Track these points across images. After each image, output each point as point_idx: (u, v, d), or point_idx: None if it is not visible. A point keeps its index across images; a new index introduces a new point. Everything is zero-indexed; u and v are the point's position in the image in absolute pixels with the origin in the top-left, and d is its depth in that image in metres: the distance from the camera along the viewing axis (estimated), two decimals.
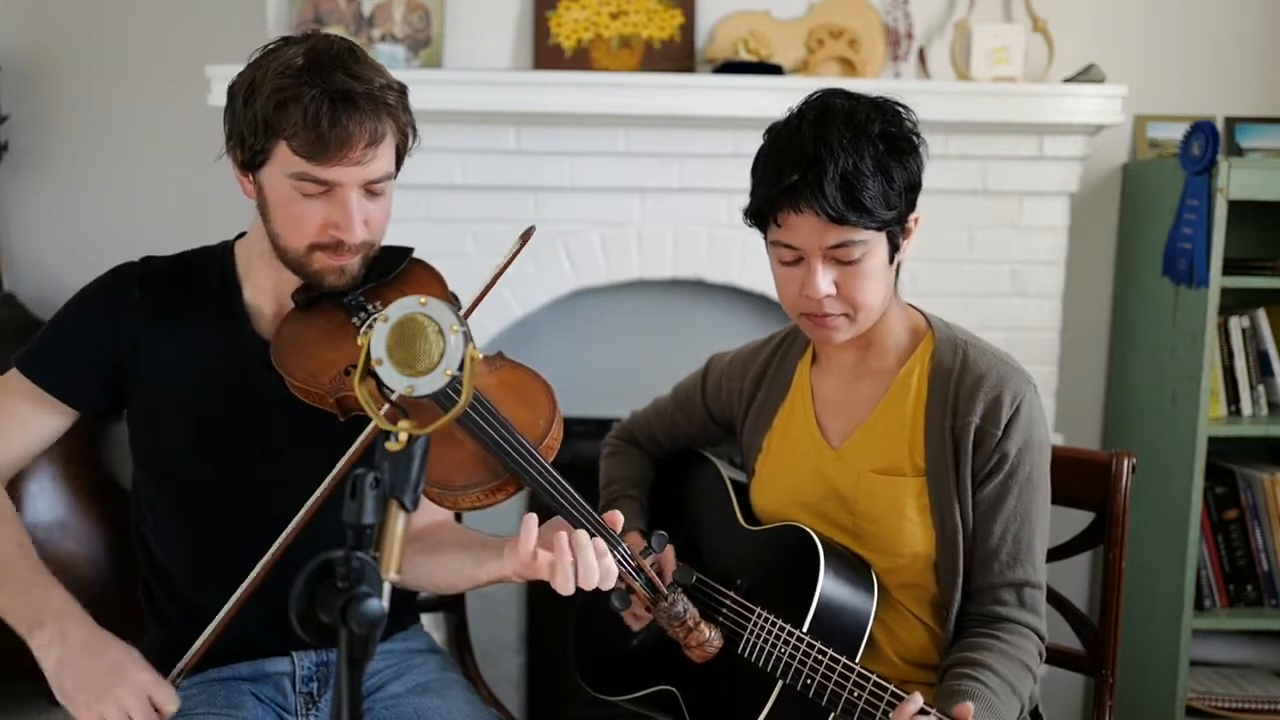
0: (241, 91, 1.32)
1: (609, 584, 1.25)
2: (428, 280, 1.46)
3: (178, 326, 1.43)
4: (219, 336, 1.44)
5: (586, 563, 1.23)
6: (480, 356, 1.16)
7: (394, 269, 1.44)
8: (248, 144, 1.32)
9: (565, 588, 1.23)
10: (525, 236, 1.34)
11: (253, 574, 1.27)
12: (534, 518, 1.25)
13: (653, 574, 1.34)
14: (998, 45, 2.42)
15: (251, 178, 1.36)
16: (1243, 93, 2.62)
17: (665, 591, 1.33)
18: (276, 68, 1.29)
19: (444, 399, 1.20)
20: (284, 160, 1.30)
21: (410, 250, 1.47)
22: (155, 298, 1.44)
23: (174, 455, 1.44)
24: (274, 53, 1.32)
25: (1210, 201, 2.27)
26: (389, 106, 1.32)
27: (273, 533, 1.27)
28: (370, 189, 1.34)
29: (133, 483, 1.52)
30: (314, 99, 1.26)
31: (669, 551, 1.46)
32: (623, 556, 1.30)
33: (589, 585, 1.23)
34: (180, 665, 1.32)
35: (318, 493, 1.26)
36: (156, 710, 1.28)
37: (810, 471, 1.47)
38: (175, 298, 1.44)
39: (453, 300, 1.51)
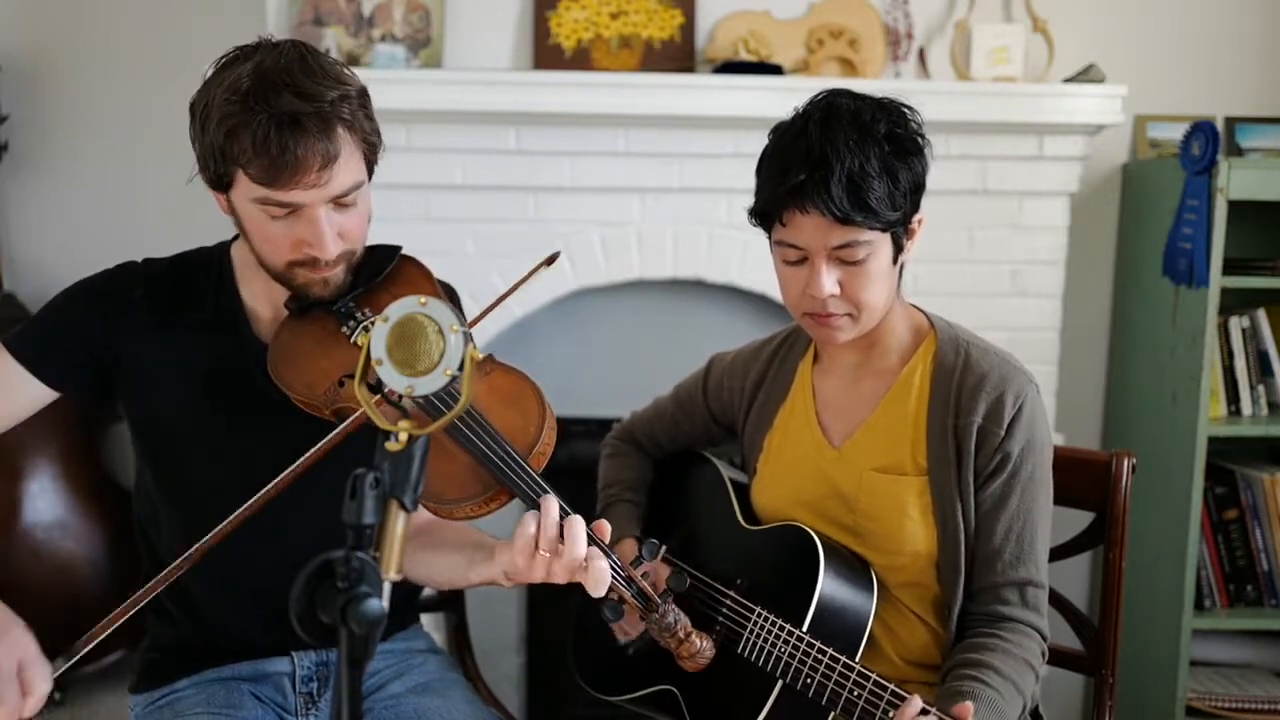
0: (198, 113, 1.29)
1: (600, 589, 1.23)
2: (416, 278, 1.44)
3: (177, 328, 1.43)
4: (218, 338, 1.43)
5: (574, 535, 1.22)
6: (480, 357, 1.16)
7: (382, 270, 1.42)
8: (211, 168, 1.30)
9: (544, 570, 1.22)
10: (549, 260, 1.32)
11: (214, 532, 1.24)
12: (532, 516, 1.25)
13: (644, 584, 1.32)
14: (998, 45, 2.42)
15: (224, 197, 1.34)
16: (1243, 93, 2.62)
17: (658, 602, 1.33)
18: (224, 91, 1.25)
19: (433, 408, 1.19)
20: (245, 186, 1.28)
21: (398, 249, 1.45)
22: (156, 300, 1.43)
23: (175, 455, 1.45)
24: (224, 70, 1.29)
25: (1210, 201, 2.27)
26: (344, 120, 1.27)
27: (273, 531, 1.27)
28: (339, 202, 1.31)
29: (135, 479, 1.52)
30: (261, 125, 1.22)
31: (659, 562, 1.45)
32: (613, 567, 1.29)
33: (577, 557, 1.22)
34: (74, 648, 1.24)
35: (288, 470, 1.24)
36: (24, 690, 1.20)
37: (811, 471, 1.47)
38: (175, 300, 1.44)
39: (445, 293, 1.50)
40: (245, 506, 1.24)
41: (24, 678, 1.22)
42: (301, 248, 1.31)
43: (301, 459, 1.25)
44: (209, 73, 1.31)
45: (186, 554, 1.24)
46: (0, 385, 1.41)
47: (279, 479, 1.25)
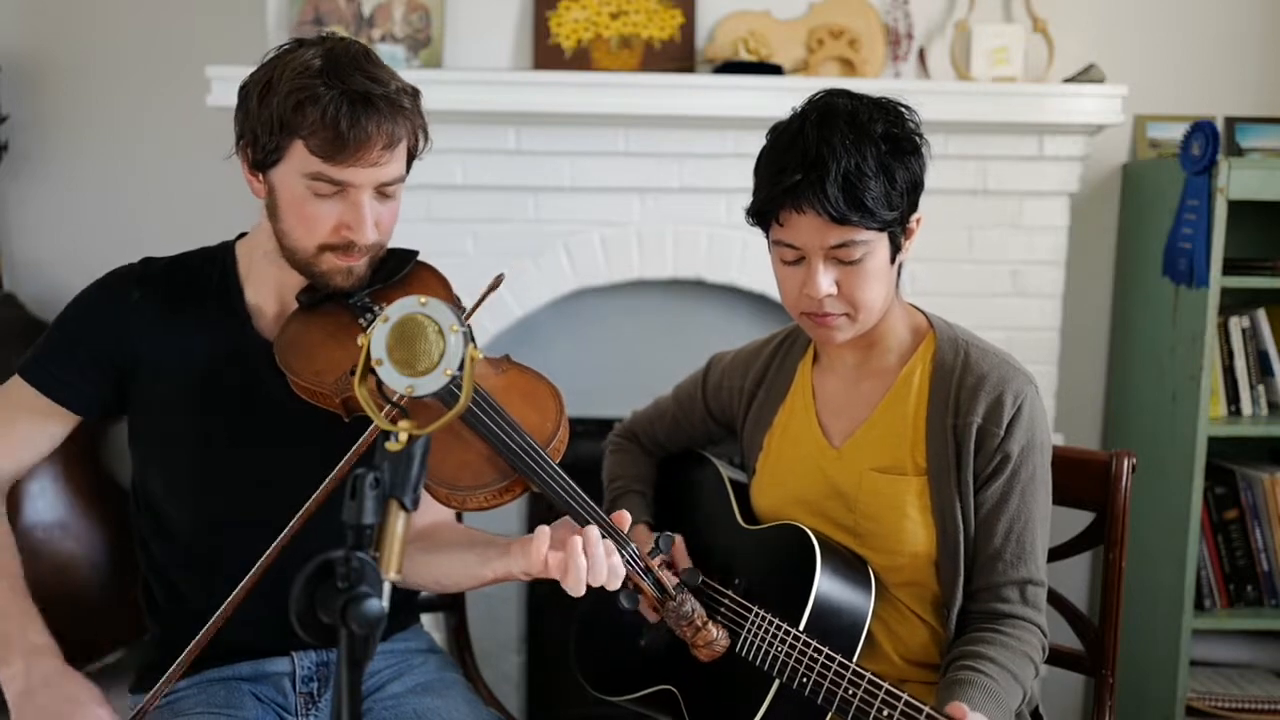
0: (256, 90, 1.32)
1: (616, 583, 1.25)
2: (432, 283, 1.46)
3: (179, 327, 1.43)
4: (220, 336, 1.44)
5: (597, 559, 1.24)
6: (481, 356, 1.16)
7: (399, 271, 1.44)
8: (261, 143, 1.32)
9: (577, 589, 1.24)
10: (494, 284, 1.34)
11: (249, 576, 1.26)
12: (546, 530, 1.27)
13: (660, 574, 1.34)
14: (998, 45, 2.42)
15: (261, 177, 1.36)
16: (1243, 93, 2.62)
17: (673, 592, 1.34)
18: (295, 67, 1.29)
19: (448, 397, 1.20)
20: (299, 160, 1.31)
21: (415, 253, 1.48)
22: (155, 299, 1.44)
23: (175, 455, 1.44)
24: (289, 54, 1.33)
25: (1210, 201, 2.27)
26: (404, 110, 1.33)
27: (273, 533, 1.27)
28: (382, 191, 1.35)
29: (133, 483, 1.52)
30: (333, 100, 1.27)
31: (676, 551, 1.47)
32: (631, 556, 1.31)
33: (598, 584, 1.25)
34: (152, 692, 1.30)
35: (316, 494, 1.26)
36: None
37: (811, 470, 1.47)
38: (175, 299, 1.44)
39: (456, 303, 1.51)
40: (281, 537, 1.26)
41: None
42: (340, 230, 1.34)
43: (334, 473, 1.26)
44: (267, 58, 1.35)
45: (238, 588, 1.27)
46: (27, 427, 1.43)
47: (313, 499, 1.26)
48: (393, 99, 1.31)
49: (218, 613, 1.27)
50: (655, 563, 1.35)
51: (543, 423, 1.30)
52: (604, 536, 1.27)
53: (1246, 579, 2.46)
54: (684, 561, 1.48)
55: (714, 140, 2.38)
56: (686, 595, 1.35)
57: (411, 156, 1.39)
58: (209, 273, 1.47)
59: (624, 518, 1.32)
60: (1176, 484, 2.38)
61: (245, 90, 1.35)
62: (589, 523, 1.28)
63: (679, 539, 1.49)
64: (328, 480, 1.26)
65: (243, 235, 1.50)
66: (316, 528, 1.25)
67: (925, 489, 1.40)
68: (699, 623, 1.35)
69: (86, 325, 1.43)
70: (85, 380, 1.42)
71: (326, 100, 1.27)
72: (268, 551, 1.26)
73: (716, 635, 1.36)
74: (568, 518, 1.30)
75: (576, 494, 1.28)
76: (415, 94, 1.36)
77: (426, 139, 1.40)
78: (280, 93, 1.29)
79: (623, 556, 1.28)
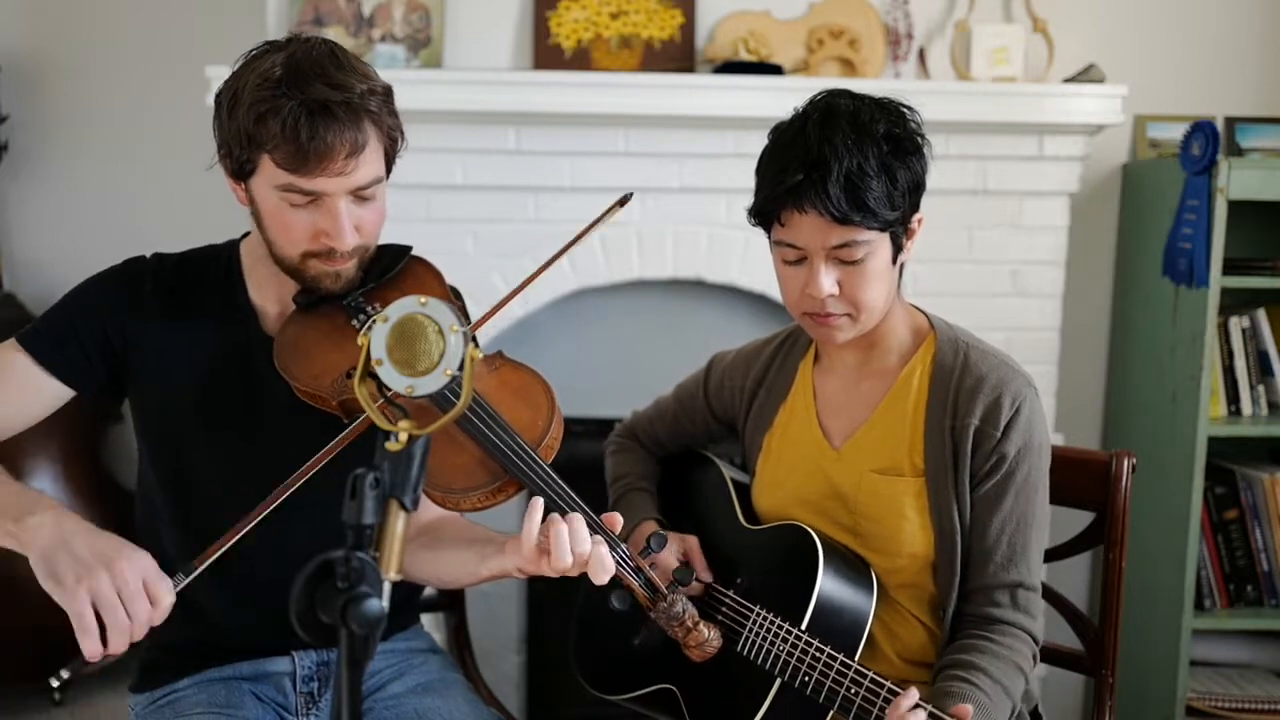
0: (226, 102, 1.31)
1: (604, 576, 1.24)
2: (427, 278, 1.46)
3: (184, 324, 1.43)
4: (224, 334, 1.44)
5: (577, 531, 1.22)
6: (480, 356, 1.16)
7: (393, 268, 1.44)
8: (235, 155, 1.31)
9: (563, 558, 1.21)
10: (622, 201, 1.34)
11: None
12: (539, 502, 1.25)
13: (652, 574, 1.34)
14: (998, 45, 2.42)
15: (244, 186, 1.36)
16: (1243, 93, 2.62)
17: (664, 592, 1.34)
18: (255, 79, 1.28)
19: (442, 400, 1.20)
20: (269, 172, 1.30)
21: (409, 249, 1.47)
22: (165, 294, 1.44)
23: (178, 452, 1.45)
24: (255, 60, 1.31)
25: (1210, 201, 2.27)
26: (370, 113, 1.30)
27: (275, 530, 1.27)
28: (359, 195, 1.33)
29: (138, 478, 1.52)
30: (291, 111, 1.25)
31: (668, 552, 1.47)
32: (622, 557, 1.31)
33: (582, 552, 1.22)
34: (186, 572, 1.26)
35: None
36: (152, 601, 1.21)
37: (811, 471, 1.47)
38: (183, 295, 1.45)
39: (453, 297, 1.51)
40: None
41: (150, 591, 1.22)
42: (319, 238, 1.33)
43: (314, 458, 1.26)
44: (237, 65, 1.33)
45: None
46: (20, 386, 1.41)
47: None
48: (355, 104, 1.28)
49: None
50: (646, 562, 1.34)
51: (534, 420, 1.30)
52: (594, 534, 1.26)
53: (1246, 579, 2.46)
54: (699, 565, 1.48)
55: (714, 140, 2.38)
56: (678, 596, 1.34)
57: (390, 156, 1.37)
58: (215, 271, 1.47)
59: (615, 520, 1.31)
60: (1176, 484, 2.38)
61: (218, 101, 1.33)
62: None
63: (693, 540, 1.50)
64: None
65: (248, 234, 1.50)
66: (302, 512, 1.25)
67: (923, 490, 1.40)
68: (690, 623, 1.34)
69: (91, 305, 1.43)
70: (83, 354, 1.41)
71: (285, 112, 1.25)
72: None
73: (708, 636, 1.35)
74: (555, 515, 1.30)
75: (568, 495, 1.28)
76: (386, 93, 1.34)
77: (402, 137, 1.38)
78: (244, 105, 1.28)
79: (614, 557, 1.26)
